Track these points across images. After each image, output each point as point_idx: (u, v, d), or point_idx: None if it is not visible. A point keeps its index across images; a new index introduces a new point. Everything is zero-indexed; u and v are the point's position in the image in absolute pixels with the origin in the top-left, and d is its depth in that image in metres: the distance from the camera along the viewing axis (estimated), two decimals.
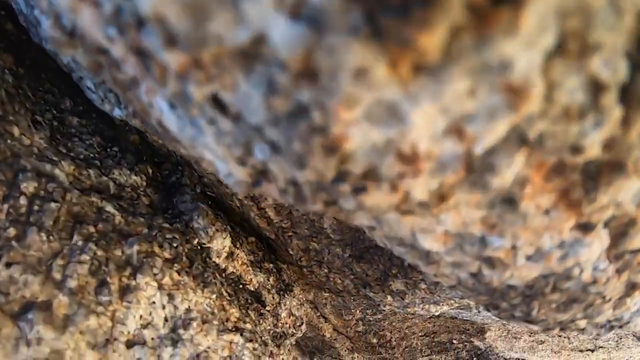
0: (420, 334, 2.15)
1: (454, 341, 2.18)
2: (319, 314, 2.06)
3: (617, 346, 1.97)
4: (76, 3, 0.24)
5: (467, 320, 1.94)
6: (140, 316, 0.64)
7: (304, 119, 0.24)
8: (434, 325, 2.08)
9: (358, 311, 1.91)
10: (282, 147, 0.26)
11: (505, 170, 0.25)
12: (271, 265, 1.08)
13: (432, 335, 2.14)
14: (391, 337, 2.12)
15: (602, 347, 1.97)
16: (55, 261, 0.55)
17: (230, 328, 0.77)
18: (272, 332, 1.04)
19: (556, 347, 1.98)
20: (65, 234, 0.59)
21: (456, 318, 1.97)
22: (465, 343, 2.16)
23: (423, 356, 2.25)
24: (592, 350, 2.01)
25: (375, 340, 2.15)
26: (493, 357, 2.21)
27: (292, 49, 0.21)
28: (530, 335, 1.95)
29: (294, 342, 1.28)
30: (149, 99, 0.29)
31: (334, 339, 2.20)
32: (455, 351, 2.20)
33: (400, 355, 2.23)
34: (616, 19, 0.21)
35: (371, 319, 1.98)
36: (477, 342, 2.13)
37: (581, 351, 2.01)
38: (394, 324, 2.02)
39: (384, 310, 1.82)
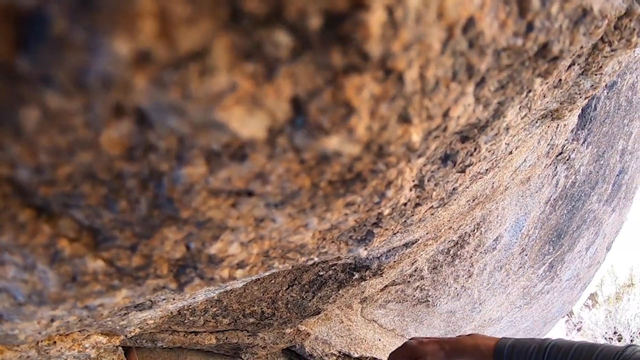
0: (285, 288, 2.02)
1: (321, 272, 2.06)
2: (178, 334, 1.92)
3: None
4: None
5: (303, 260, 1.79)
6: None
7: None
8: (286, 276, 1.94)
9: (200, 311, 1.77)
10: None
11: None
12: None
13: (297, 282, 2.01)
14: (263, 309, 1.99)
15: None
16: None
17: None
18: None
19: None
20: None
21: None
22: (333, 267, 2.04)
23: (308, 300, 2.12)
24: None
25: (252, 320, 2.02)
26: (368, 261, 2.09)
27: None
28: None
29: None
30: None
31: (225, 341, 2.08)
32: (332, 278, 2.08)
33: (288, 312, 2.11)
34: None
35: (225, 310, 1.83)
36: (341, 261, 2.01)
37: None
38: (254, 294, 1.87)
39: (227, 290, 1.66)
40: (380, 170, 0.27)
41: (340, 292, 2.12)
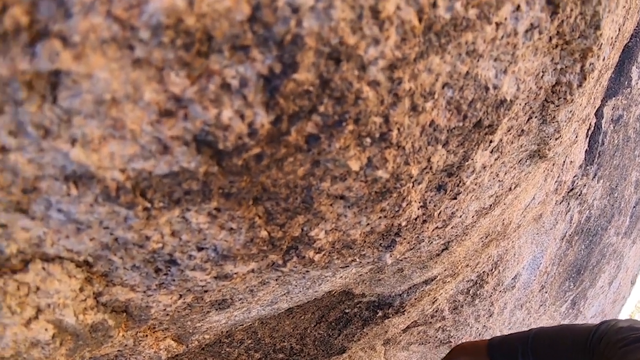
0: (313, 325, 2.31)
1: (347, 310, 2.35)
2: None
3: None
4: None
5: (329, 292, 2.11)
6: None
7: None
8: (315, 312, 2.24)
9: (237, 342, 2.06)
10: None
11: None
12: None
13: (324, 319, 2.30)
14: (292, 344, 2.28)
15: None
16: None
17: None
18: None
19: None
20: None
21: (321, 299, 2.13)
22: (358, 304, 2.33)
23: (335, 338, 2.41)
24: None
25: (282, 356, 2.31)
26: (391, 299, 2.37)
27: None
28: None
29: None
30: None
31: None
32: (357, 316, 2.36)
33: (315, 349, 2.39)
34: None
35: (258, 344, 2.12)
36: (365, 299, 2.29)
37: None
38: (285, 329, 2.17)
39: (256, 331, 1.97)
40: (398, 187, 0.65)
41: (364, 330, 2.42)
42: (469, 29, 0.53)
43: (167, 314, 1.01)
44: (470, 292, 2.92)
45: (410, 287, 2.34)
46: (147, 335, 1.17)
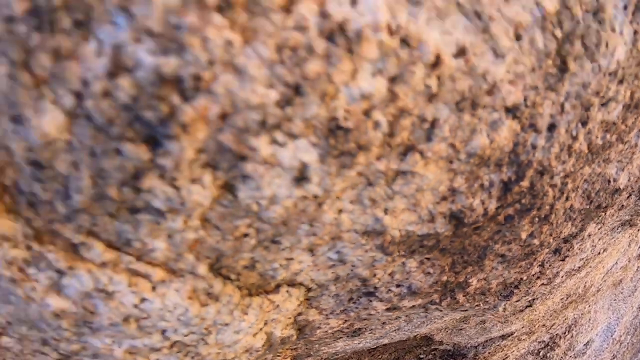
0: None
1: (422, 355, 2.50)
2: None
3: None
4: None
5: (411, 332, 2.28)
6: None
7: None
8: (392, 353, 2.41)
9: None
10: None
11: None
12: None
13: None
14: None
15: None
16: None
17: None
18: None
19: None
20: None
21: (405, 340, 2.31)
22: (433, 351, 2.48)
23: None
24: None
25: None
26: (465, 350, 2.50)
27: None
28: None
29: None
30: None
31: None
32: None
33: None
34: None
35: None
36: (442, 346, 2.45)
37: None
38: None
39: None
40: (539, 251, 0.90)
41: None
42: (609, 148, 0.78)
43: (319, 336, 1.26)
44: (541, 353, 2.96)
45: (487, 340, 2.46)
46: (281, 352, 1.40)
